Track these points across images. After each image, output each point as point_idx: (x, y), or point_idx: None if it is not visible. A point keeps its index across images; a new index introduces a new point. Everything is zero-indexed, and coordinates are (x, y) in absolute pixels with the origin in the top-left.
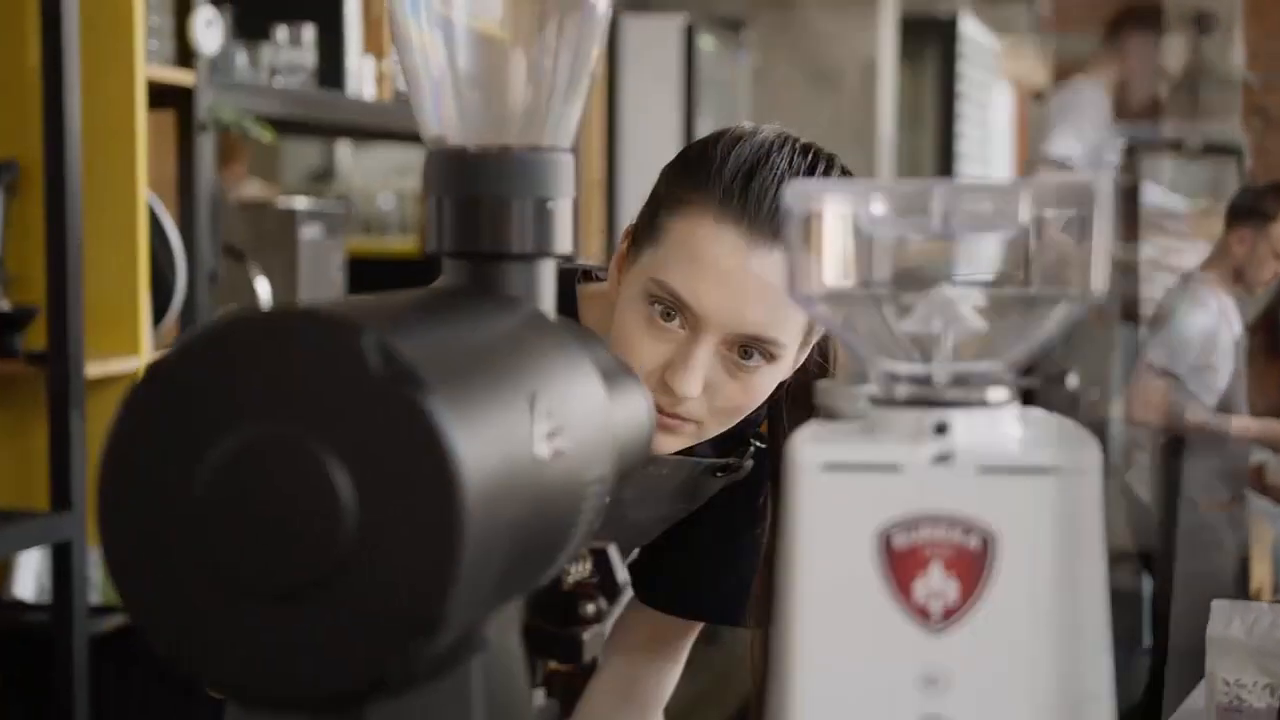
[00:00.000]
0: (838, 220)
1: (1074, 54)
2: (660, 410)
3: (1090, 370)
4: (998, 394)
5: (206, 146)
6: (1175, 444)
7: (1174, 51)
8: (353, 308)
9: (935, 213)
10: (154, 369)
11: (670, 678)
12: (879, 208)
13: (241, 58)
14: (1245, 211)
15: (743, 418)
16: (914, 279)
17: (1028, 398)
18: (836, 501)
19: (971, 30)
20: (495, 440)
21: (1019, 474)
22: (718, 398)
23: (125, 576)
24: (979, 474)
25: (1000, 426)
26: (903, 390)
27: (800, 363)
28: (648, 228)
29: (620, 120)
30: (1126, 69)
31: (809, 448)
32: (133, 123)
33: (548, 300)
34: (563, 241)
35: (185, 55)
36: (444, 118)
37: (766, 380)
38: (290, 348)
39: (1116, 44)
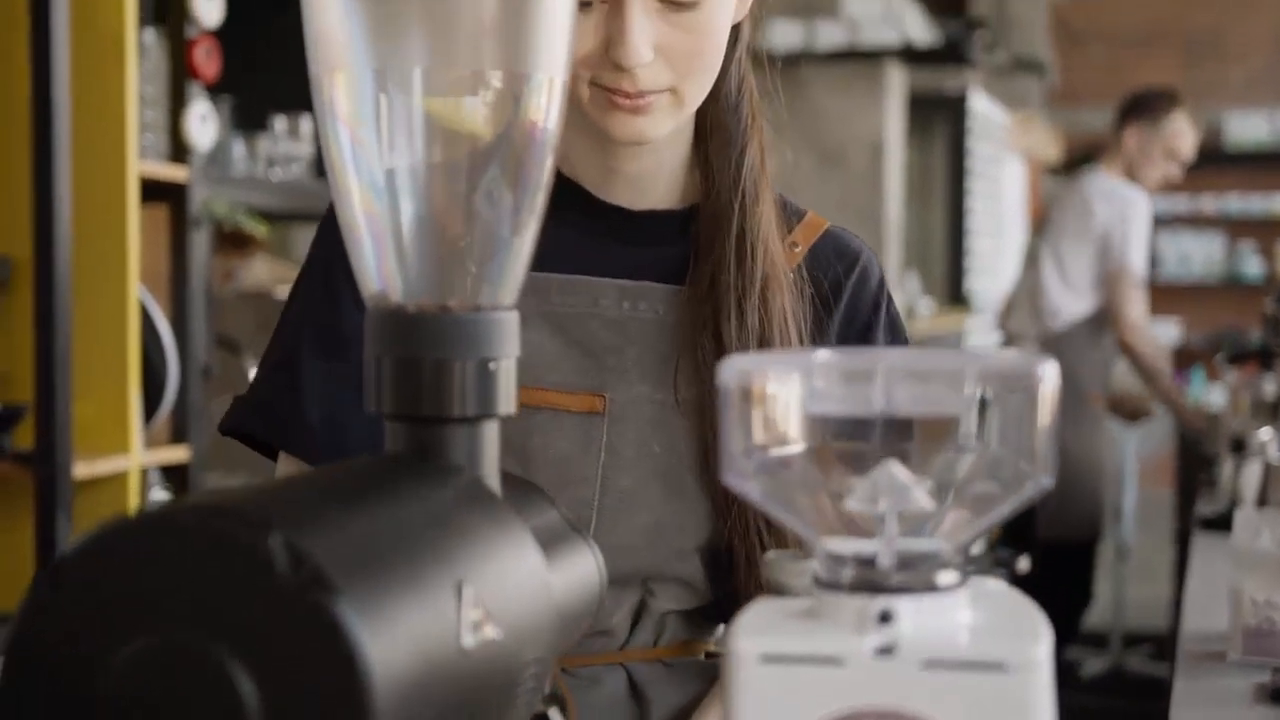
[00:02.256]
0: (777, 396)
1: (1084, 127)
2: (625, 94)
3: None
4: (946, 577)
5: (200, 241)
6: (1071, 335)
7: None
8: (265, 499)
9: (878, 389)
10: (59, 568)
11: None
12: (820, 383)
13: (239, 148)
14: (1137, 110)
15: (716, 68)
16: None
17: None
18: (776, 695)
19: (981, 106)
20: (414, 639)
21: (966, 669)
22: (673, 54)
23: None
24: (924, 669)
25: (948, 613)
26: (847, 574)
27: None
28: None
29: None
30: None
31: (748, 639)
32: (124, 219)
33: (490, 463)
34: (506, 402)
35: (180, 149)
36: (384, 274)
37: (716, 16)
38: (196, 548)
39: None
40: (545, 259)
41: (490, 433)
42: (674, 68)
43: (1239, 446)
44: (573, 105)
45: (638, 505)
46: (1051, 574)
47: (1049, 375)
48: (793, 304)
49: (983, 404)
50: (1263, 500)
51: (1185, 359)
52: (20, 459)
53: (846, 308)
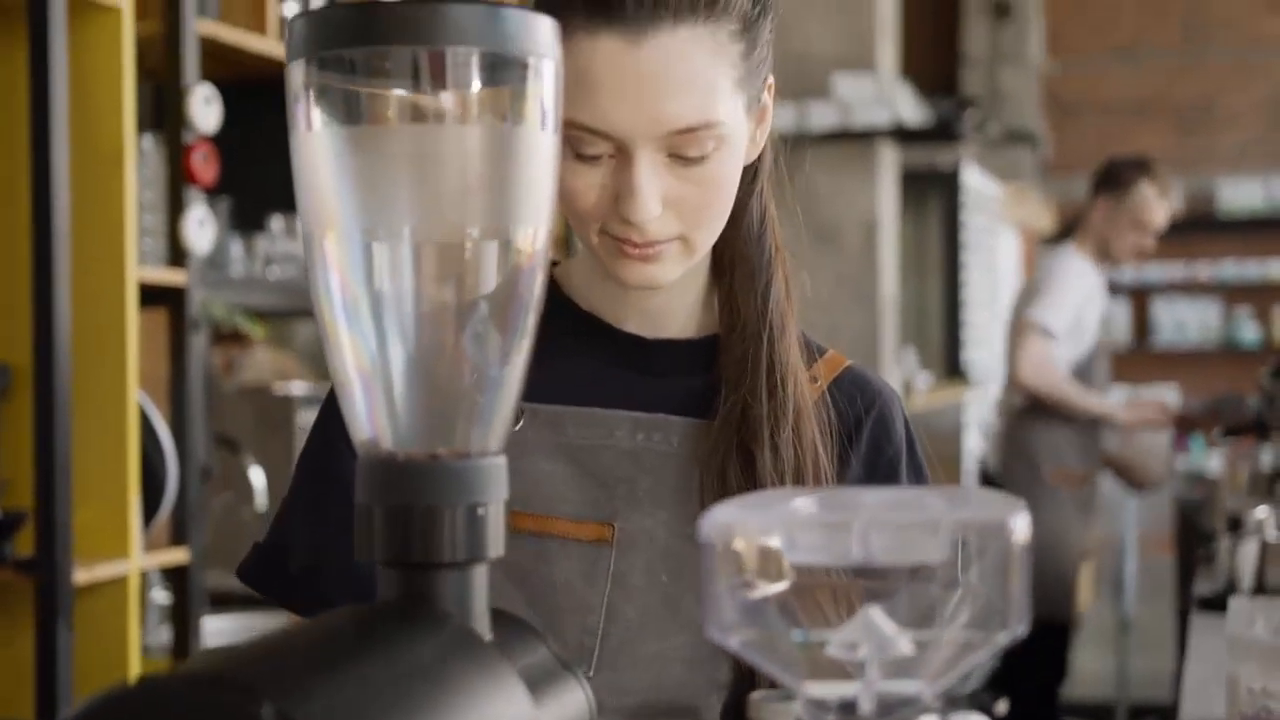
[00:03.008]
0: (757, 547)
1: (1077, 197)
2: (633, 244)
3: None
4: None
5: (198, 344)
6: (1031, 411)
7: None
8: (256, 663)
9: (855, 543)
10: None
11: None
12: (800, 534)
13: (237, 248)
14: (1104, 182)
15: (726, 214)
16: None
17: None
18: None
19: (974, 179)
20: None
21: None
22: (683, 206)
23: None
24: None
25: None
26: (829, 719)
27: (761, 142)
28: None
29: None
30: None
31: None
32: (124, 325)
33: (480, 605)
34: (495, 545)
35: (178, 253)
36: (375, 423)
37: (726, 167)
38: (189, 718)
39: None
40: (561, 390)
41: (480, 576)
42: (683, 219)
43: (1235, 525)
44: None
45: (645, 635)
46: (1028, 653)
47: (1020, 526)
48: (822, 436)
49: (961, 550)
50: (1260, 580)
51: (1184, 426)
52: (20, 566)
53: (868, 449)
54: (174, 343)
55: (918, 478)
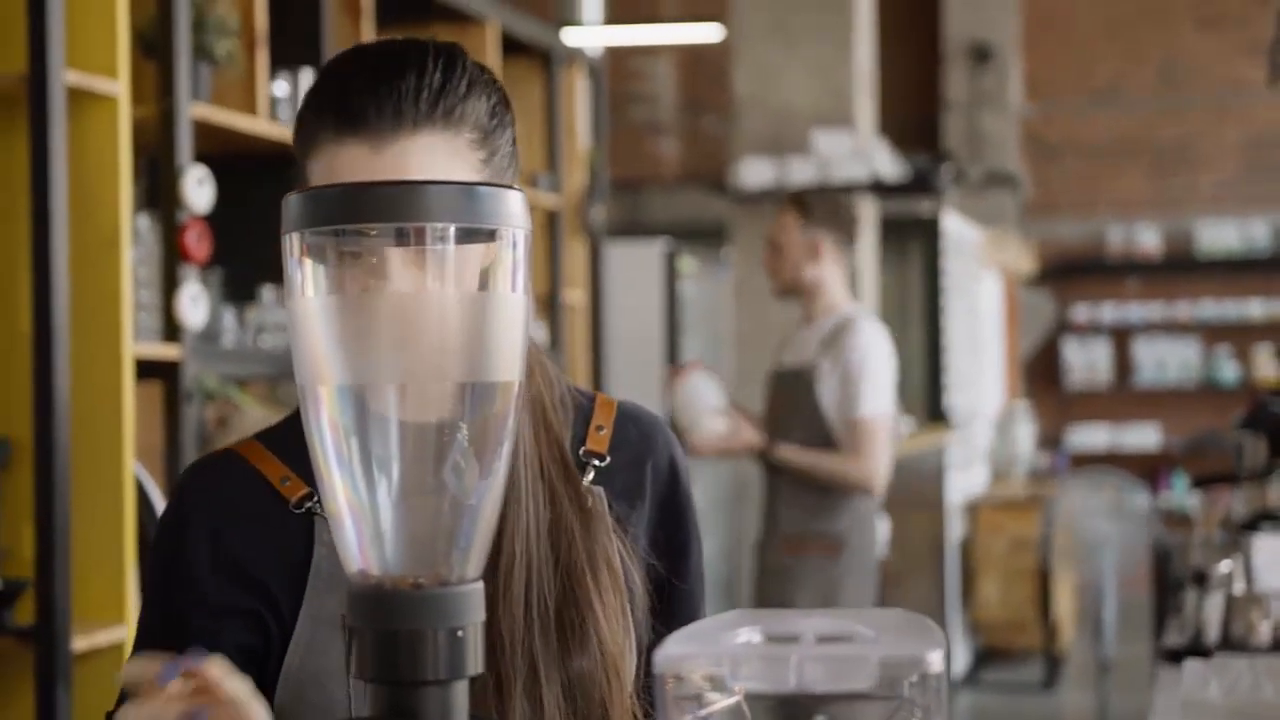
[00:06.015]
0: (705, 677)
1: (1060, 238)
2: None
3: None
4: None
5: (192, 416)
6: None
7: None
8: None
9: (792, 673)
10: None
11: None
12: (743, 668)
13: (230, 319)
14: None
15: None
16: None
17: None
18: None
19: (954, 226)
20: None
21: None
22: None
23: None
24: None
25: None
26: None
27: None
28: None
29: (605, 345)
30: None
31: None
32: (120, 399)
33: (460, 718)
34: (475, 663)
35: (172, 329)
36: (364, 555)
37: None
38: None
39: None
40: None
41: (460, 692)
42: None
43: (1201, 578)
44: None
45: None
46: None
47: (935, 658)
48: (600, 526)
49: (887, 680)
50: (1226, 634)
51: (1165, 464)
52: (21, 634)
53: (663, 486)
54: (169, 414)
55: (689, 504)
